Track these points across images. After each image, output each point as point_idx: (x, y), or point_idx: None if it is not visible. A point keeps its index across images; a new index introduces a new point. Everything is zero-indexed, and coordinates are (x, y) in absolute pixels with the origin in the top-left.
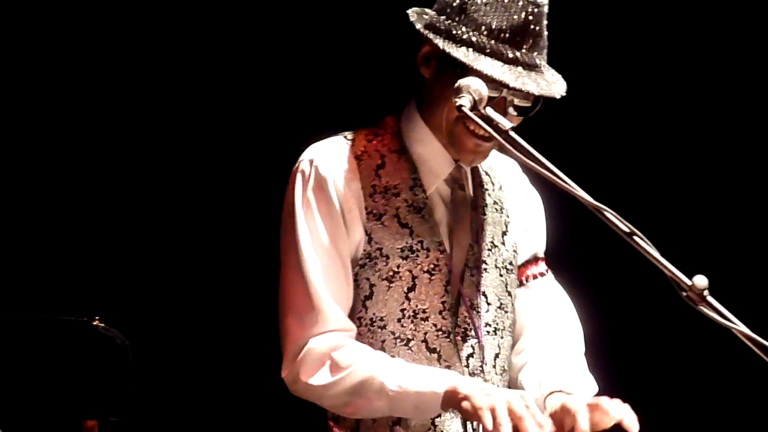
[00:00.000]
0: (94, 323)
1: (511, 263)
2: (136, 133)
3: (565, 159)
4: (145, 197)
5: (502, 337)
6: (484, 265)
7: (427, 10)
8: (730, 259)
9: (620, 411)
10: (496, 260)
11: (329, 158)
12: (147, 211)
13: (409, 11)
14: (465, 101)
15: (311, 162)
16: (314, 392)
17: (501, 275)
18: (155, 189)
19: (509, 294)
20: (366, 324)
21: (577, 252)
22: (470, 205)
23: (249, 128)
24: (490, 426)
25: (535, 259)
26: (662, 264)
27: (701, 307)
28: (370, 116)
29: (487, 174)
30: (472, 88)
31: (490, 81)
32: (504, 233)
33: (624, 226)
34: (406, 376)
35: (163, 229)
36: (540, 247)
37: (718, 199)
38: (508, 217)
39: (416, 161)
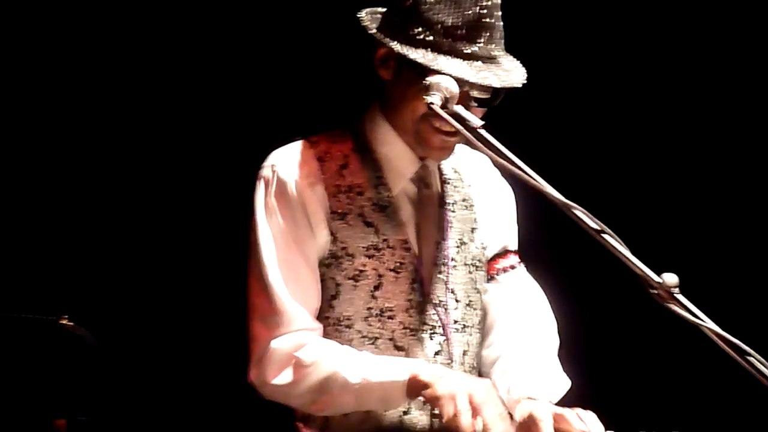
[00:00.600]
0: (63, 322)
1: (480, 260)
2: (104, 132)
3: (536, 156)
4: (112, 196)
5: (470, 335)
6: (452, 262)
7: (378, 9)
8: (700, 256)
9: (584, 425)
10: (464, 257)
11: (290, 162)
12: (114, 210)
13: (361, 14)
14: (436, 99)
15: (272, 167)
16: (281, 392)
17: (470, 272)
18: (122, 188)
19: (477, 291)
20: (333, 323)
21: (551, 244)
22: (437, 203)
23: (217, 133)
24: (450, 413)
25: (505, 252)
26: (632, 262)
27: (670, 305)
28: (336, 119)
29: (455, 171)
30: (443, 85)
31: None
32: (473, 230)
33: (594, 223)
34: (369, 368)
35: (131, 228)
36: (510, 239)
37: (688, 196)
38: (476, 213)
39: (381, 161)
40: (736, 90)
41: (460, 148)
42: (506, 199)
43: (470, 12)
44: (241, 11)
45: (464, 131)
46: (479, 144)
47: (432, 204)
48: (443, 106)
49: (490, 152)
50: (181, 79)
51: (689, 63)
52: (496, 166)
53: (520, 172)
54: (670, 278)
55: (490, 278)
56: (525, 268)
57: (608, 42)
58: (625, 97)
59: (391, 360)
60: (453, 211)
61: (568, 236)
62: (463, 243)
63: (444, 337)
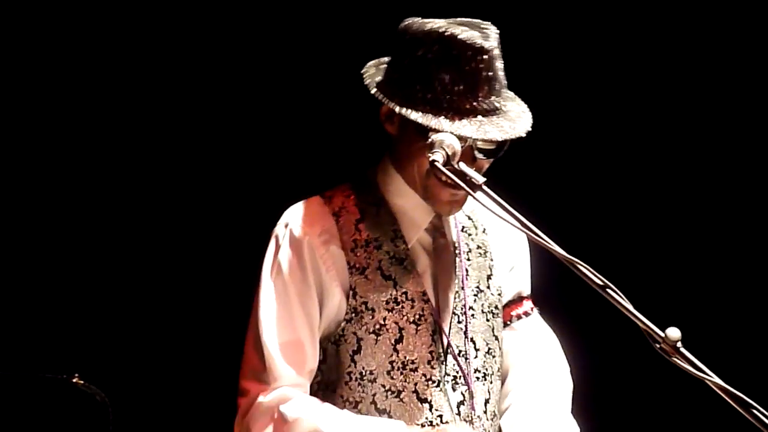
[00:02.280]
0: (74, 380)
1: (497, 307)
2: (106, 195)
3: (539, 211)
4: (124, 259)
5: (491, 382)
6: (470, 311)
7: (383, 60)
8: (703, 311)
9: None
10: (482, 305)
11: (304, 220)
12: (124, 271)
13: (364, 70)
14: (438, 156)
15: (286, 225)
16: None
17: (488, 320)
18: (131, 251)
19: (496, 338)
20: (356, 378)
21: (564, 290)
22: (453, 252)
23: (229, 186)
24: None
25: (519, 299)
26: (636, 316)
27: (675, 359)
28: (348, 171)
29: (469, 218)
30: (446, 143)
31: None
32: (489, 277)
33: (597, 279)
34: (349, 428)
35: (139, 289)
36: (524, 286)
37: (690, 253)
38: (492, 260)
39: (396, 213)
40: (732, 151)
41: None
42: (521, 245)
43: (468, 68)
44: (253, 63)
45: (467, 189)
46: (482, 203)
47: (448, 253)
48: (446, 163)
49: (493, 209)
50: (192, 130)
51: (686, 115)
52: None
53: (524, 228)
54: (674, 333)
55: (505, 325)
56: (539, 314)
57: (612, 96)
58: (628, 152)
59: (374, 422)
60: (469, 259)
61: (579, 282)
62: (480, 291)
63: (466, 387)
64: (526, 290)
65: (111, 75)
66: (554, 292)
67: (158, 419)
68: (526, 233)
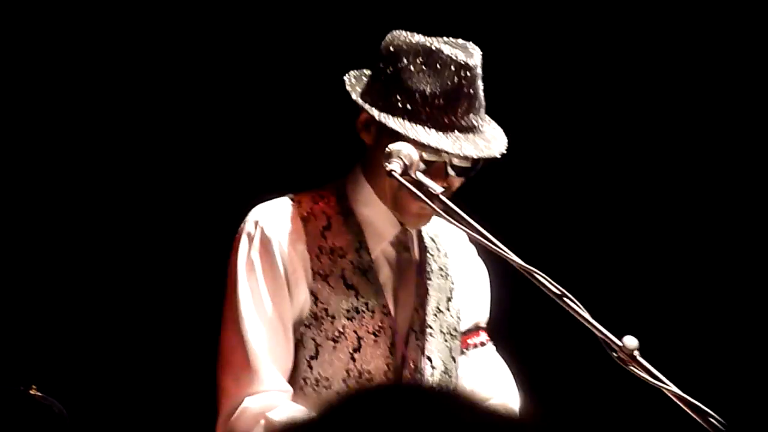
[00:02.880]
0: (31, 392)
1: (455, 329)
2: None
3: (497, 222)
4: (83, 266)
5: None
6: (429, 330)
7: (365, 72)
8: (660, 319)
9: None
10: (440, 326)
11: (275, 219)
12: (83, 279)
13: (346, 77)
14: (395, 166)
15: (256, 223)
16: None
17: (446, 340)
18: (95, 257)
19: (453, 359)
20: (311, 383)
21: (519, 324)
22: (416, 269)
23: (192, 189)
24: None
25: (476, 329)
26: (593, 325)
27: (632, 368)
28: (315, 180)
29: (432, 240)
30: (403, 152)
31: (427, 148)
32: (449, 299)
33: (554, 288)
34: None
35: (98, 296)
36: (482, 317)
37: (647, 259)
38: (452, 283)
39: (362, 223)
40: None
41: (440, 220)
42: (481, 276)
43: (450, 82)
44: (235, 62)
45: (424, 198)
46: (440, 212)
47: (410, 269)
48: (404, 173)
49: (451, 219)
50: (171, 125)
51: (668, 127)
52: (460, 229)
53: (481, 238)
54: (631, 341)
55: (461, 352)
56: (494, 347)
57: (572, 104)
58: (583, 161)
59: None
60: (430, 279)
61: (535, 317)
62: (439, 311)
63: None
64: (483, 321)
65: (106, 74)
66: (508, 326)
67: (116, 430)
68: (483, 243)
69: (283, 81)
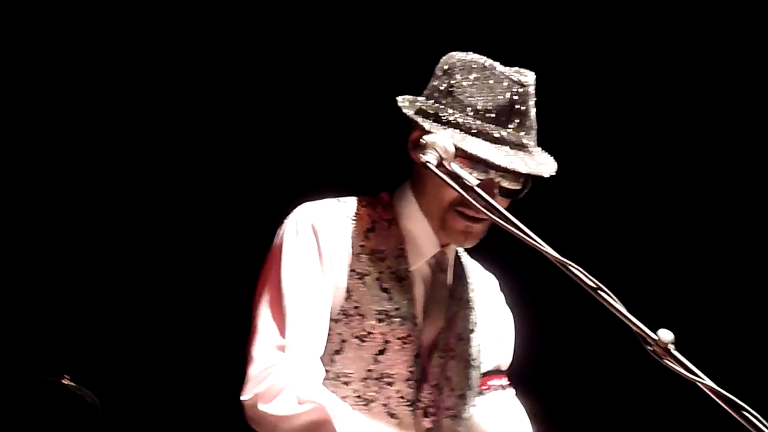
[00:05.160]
0: (64, 382)
1: (474, 359)
2: (102, 186)
3: (532, 214)
4: (115, 261)
5: (459, 426)
6: (451, 353)
7: (418, 98)
8: (695, 312)
9: None
10: (462, 352)
11: (322, 213)
12: (116, 270)
13: (398, 98)
14: (431, 157)
15: (304, 215)
16: (269, 422)
17: (466, 367)
18: (122, 253)
19: (471, 388)
20: (331, 378)
21: (542, 374)
22: (448, 292)
23: (238, 187)
24: None
25: (498, 372)
26: (628, 318)
27: (667, 361)
28: (367, 188)
29: (466, 274)
30: (438, 144)
31: (477, 161)
32: (471, 330)
33: (589, 281)
34: (361, 430)
35: (130, 288)
36: (504, 360)
37: (683, 253)
38: (476, 318)
39: (405, 235)
40: (727, 151)
41: (475, 263)
42: (507, 321)
43: (502, 97)
44: (291, 75)
45: (458, 190)
46: (475, 204)
47: (442, 291)
48: (439, 165)
49: (485, 211)
50: (219, 131)
51: (680, 121)
52: (494, 222)
53: (516, 231)
54: (666, 335)
55: (480, 393)
56: (514, 392)
57: (600, 98)
58: (621, 155)
59: (385, 429)
60: (458, 308)
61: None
62: (461, 339)
63: (436, 418)
64: (505, 365)
65: (112, 75)
66: (532, 377)
67: (149, 420)
68: (518, 235)
69: (342, 98)
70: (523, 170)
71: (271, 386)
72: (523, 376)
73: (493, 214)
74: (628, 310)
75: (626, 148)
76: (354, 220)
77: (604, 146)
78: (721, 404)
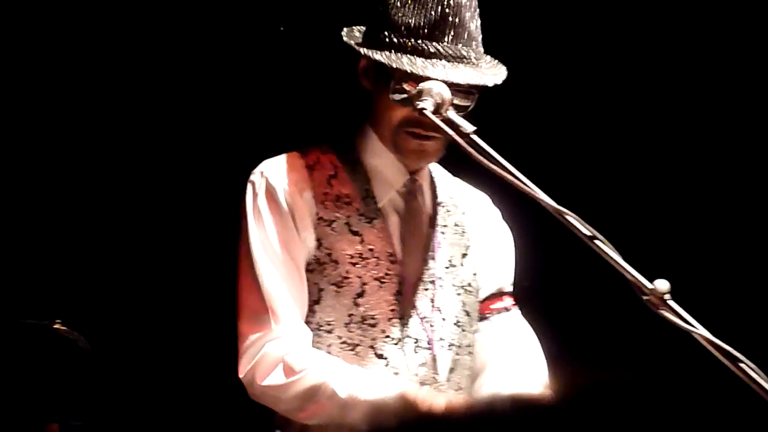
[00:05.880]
0: (56, 326)
1: (470, 285)
2: (94, 137)
3: (528, 162)
4: (105, 200)
5: (458, 354)
6: (439, 282)
7: (360, 27)
8: (692, 263)
9: None
10: (453, 279)
11: (279, 169)
12: (107, 214)
13: (343, 31)
14: (428, 104)
15: (261, 173)
16: (269, 395)
17: (458, 294)
18: (114, 194)
19: (467, 314)
20: (314, 328)
21: (547, 289)
22: (427, 220)
23: (208, 143)
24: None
25: (500, 294)
26: (624, 268)
27: (662, 311)
28: (328, 136)
29: (451, 197)
30: (434, 91)
31: (417, 79)
32: (464, 255)
33: (586, 229)
34: (358, 384)
35: (123, 232)
36: (506, 282)
37: (681, 203)
38: (469, 241)
39: (369, 173)
40: (723, 96)
41: (462, 183)
42: (505, 240)
43: (434, 12)
44: (239, 26)
45: (456, 137)
46: (470, 150)
47: (420, 220)
48: (435, 112)
49: (482, 158)
50: (173, 89)
51: (678, 69)
52: (489, 171)
53: (512, 178)
54: (662, 284)
55: (483, 318)
56: (519, 312)
57: (598, 47)
58: (616, 101)
59: (382, 378)
60: (443, 233)
61: (563, 281)
62: (452, 265)
63: (429, 351)
64: (508, 286)
65: (105, 69)
66: (537, 292)
67: (142, 366)
68: (514, 183)
69: (291, 39)
70: (462, 81)
71: (263, 361)
72: (525, 295)
73: (491, 161)
74: (626, 260)
75: (626, 94)
76: (315, 168)
77: (600, 92)
78: (718, 355)
